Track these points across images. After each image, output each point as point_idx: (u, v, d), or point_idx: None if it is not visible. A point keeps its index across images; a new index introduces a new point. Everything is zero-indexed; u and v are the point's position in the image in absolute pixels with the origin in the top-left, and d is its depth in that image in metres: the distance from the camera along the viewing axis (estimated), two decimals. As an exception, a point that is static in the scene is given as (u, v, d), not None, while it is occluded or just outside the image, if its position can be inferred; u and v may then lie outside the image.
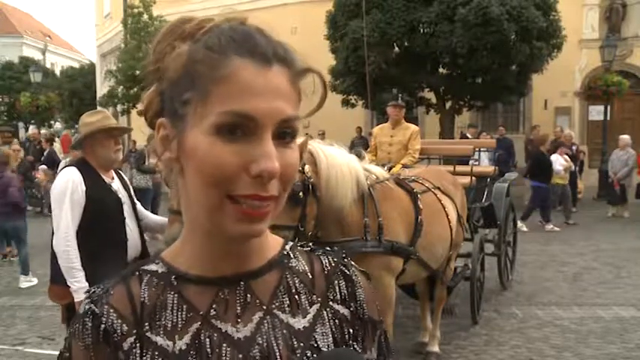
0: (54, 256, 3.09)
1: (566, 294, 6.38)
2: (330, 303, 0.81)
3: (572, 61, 15.80)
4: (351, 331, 0.81)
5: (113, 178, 3.22)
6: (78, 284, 2.96)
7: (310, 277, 0.82)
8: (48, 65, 39.21)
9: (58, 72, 35.88)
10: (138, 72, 16.04)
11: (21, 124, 28.70)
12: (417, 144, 5.75)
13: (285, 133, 0.70)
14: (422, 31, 12.60)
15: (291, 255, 0.83)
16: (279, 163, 0.67)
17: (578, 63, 16.43)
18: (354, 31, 12.51)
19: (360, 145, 12.74)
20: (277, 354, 0.74)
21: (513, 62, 12.71)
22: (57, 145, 16.10)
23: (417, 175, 4.29)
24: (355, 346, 0.81)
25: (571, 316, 5.62)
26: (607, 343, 4.90)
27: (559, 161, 10.94)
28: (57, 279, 3.07)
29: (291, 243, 0.85)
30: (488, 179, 6.11)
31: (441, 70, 13.63)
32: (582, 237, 9.67)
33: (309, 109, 0.76)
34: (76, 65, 35.71)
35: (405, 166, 5.35)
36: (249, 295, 0.76)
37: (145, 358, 0.73)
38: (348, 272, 0.83)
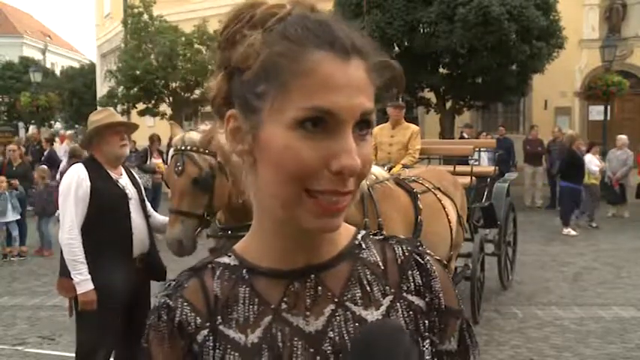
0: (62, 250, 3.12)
1: (566, 294, 6.38)
2: (404, 294, 0.79)
3: (572, 61, 15.81)
4: (426, 322, 0.79)
5: (121, 174, 3.27)
6: (80, 277, 3.00)
7: (382, 267, 0.80)
8: (48, 65, 39.22)
9: (58, 72, 35.89)
10: (138, 72, 16.04)
11: (21, 124, 28.72)
12: (417, 144, 5.75)
13: (362, 125, 0.69)
14: (422, 31, 12.61)
15: (363, 245, 0.81)
16: (359, 158, 0.67)
17: (578, 63, 16.44)
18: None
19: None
20: (349, 348, 0.73)
21: (513, 62, 12.72)
22: (57, 145, 16.09)
23: (417, 175, 4.29)
24: (432, 338, 0.79)
25: (571, 316, 5.63)
26: (607, 343, 4.90)
27: (594, 162, 10.71)
28: (65, 272, 3.09)
29: (363, 232, 0.84)
30: (489, 179, 6.11)
31: (441, 70, 13.63)
32: (582, 237, 9.68)
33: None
34: (76, 65, 35.72)
35: (405, 166, 5.35)
36: (319, 288, 0.76)
37: (217, 351, 0.74)
38: (422, 262, 0.81)
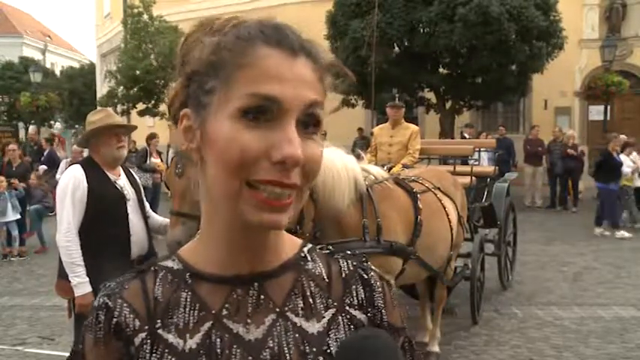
0: None
1: (566, 294, 6.38)
2: (347, 308, 0.79)
3: (572, 61, 15.80)
4: None
5: (120, 176, 3.25)
6: (78, 279, 2.99)
7: (327, 280, 0.80)
8: (48, 65, 39.19)
9: (58, 72, 35.87)
10: (138, 72, 16.03)
11: (21, 124, 28.69)
12: (417, 144, 5.75)
13: (308, 122, 0.69)
14: (422, 30, 12.61)
15: (309, 257, 0.81)
16: (303, 153, 0.66)
17: (578, 63, 16.43)
18: (355, 31, 12.51)
19: (362, 145, 12.76)
20: (288, 358, 0.73)
21: (513, 62, 12.71)
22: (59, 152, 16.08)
23: (417, 176, 4.29)
24: None
25: (571, 316, 5.63)
26: (607, 343, 4.90)
27: (626, 162, 10.56)
28: (64, 274, 3.09)
29: (310, 245, 0.84)
30: (489, 179, 6.11)
31: (441, 70, 13.63)
32: (582, 237, 9.68)
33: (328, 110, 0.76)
34: (76, 65, 35.71)
35: (405, 166, 5.35)
36: (262, 297, 0.75)
37: (155, 355, 0.73)
38: (366, 277, 0.81)
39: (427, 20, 12.34)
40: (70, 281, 3.01)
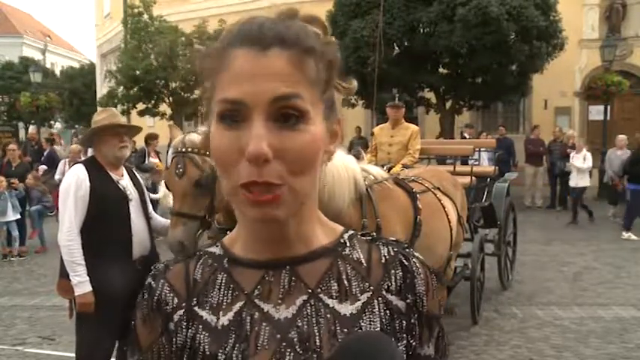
0: None
1: (566, 294, 6.38)
2: (384, 292, 0.79)
3: (572, 61, 15.80)
4: (404, 323, 0.79)
5: (122, 176, 3.26)
6: (78, 278, 2.98)
7: (365, 265, 0.81)
8: (48, 65, 39.19)
9: (58, 72, 35.87)
10: (138, 72, 16.03)
11: (21, 124, 28.70)
12: (417, 144, 5.74)
13: (287, 115, 0.69)
14: (422, 31, 12.61)
15: (348, 244, 0.83)
16: (277, 147, 0.67)
17: (578, 63, 16.43)
18: (355, 31, 12.51)
19: (359, 145, 12.75)
20: (317, 337, 0.74)
21: (513, 62, 12.71)
22: (57, 146, 16.08)
23: (416, 176, 4.29)
24: (410, 340, 0.80)
25: (571, 316, 5.62)
26: (607, 343, 4.90)
27: None
28: (65, 273, 3.09)
29: (351, 232, 0.85)
30: (488, 179, 6.11)
31: (441, 70, 13.63)
32: (582, 237, 9.68)
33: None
34: (76, 65, 35.71)
35: (405, 166, 5.34)
36: (294, 279, 0.78)
37: (190, 329, 0.78)
38: (407, 263, 0.82)
39: (427, 20, 12.35)
40: (70, 281, 3.01)
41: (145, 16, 16.60)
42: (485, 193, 5.98)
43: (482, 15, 11.39)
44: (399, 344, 0.78)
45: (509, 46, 12.04)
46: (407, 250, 0.84)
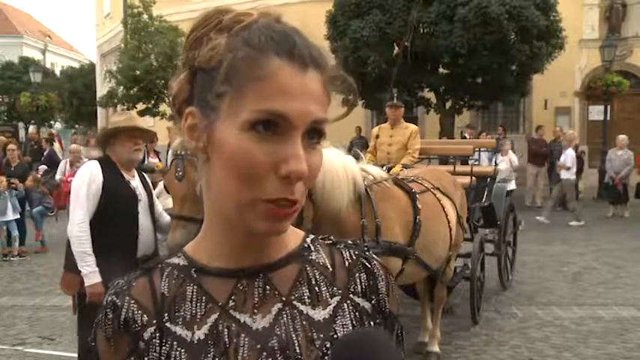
0: (69, 245, 3.16)
1: (566, 294, 6.38)
2: (351, 295, 0.81)
3: (572, 61, 15.80)
4: (371, 323, 0.81)
5: (134, 176, 3.34)
6: (89, 268, 3.04)
7: (331, 269, 0.82)
8: (48, 65, 39.18)
9: (58, 72, 35.87)
10: (138, 72, 16.03)
11: (21, 124, 28.69)
12: (416, 144, 5.74)
13: (313, 134, 0.71)
14: (422, 31, 12.60)
15: (312, 248, 0.83)
16: (306, 165, 0.69)
17: (578, 63, 16.43)
18: (355, 31, 12.51)
19: (359, 145, 12.75)
20: (296, 344, 0.75)
21: (513, 62, 12.71)
22: (57, 145, 16.08)
23: (416, 176, 4.29)
24: None
25: (571, 316, 5.62)
26: (607, 343, 4.90)
27: None
28: (70, 267, 3.15)
29: (312, 236, 0.86)
30: (488, 179, 6.11)
31: (441, 69, 13.63)
32: (582, 237, 9.68)
33: (332, 116, 0.77)
34: (76, 65, 35.69)
35: (404, 166, 5.34)
36: (267, 287, 0.77)
37: (164, 347, 0.75)
38: (369, 265, 0.83)
39: (427, 20, 12.34)
40: (76, 275, 3.07)
41: (145, 16, 16.60)
42: (485, 193, 5.98)
43: (483, 15, 11.39)
44: None
45: (510, 46, 12.04)
46: (367, 252, 0.85)
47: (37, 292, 6.72)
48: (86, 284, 3.04)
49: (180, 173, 2.97)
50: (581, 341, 4.96)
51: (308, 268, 0.80)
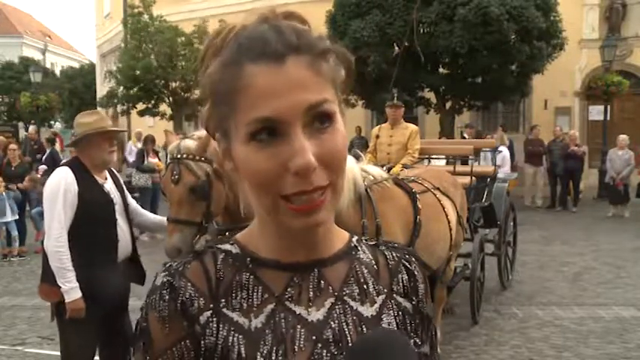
0: (45, 255, 3.03)
1: (566, 294, 6.38)
2: (394, 295, 0.85)
3: (572, 61, 15.79)
4: (412, 324, 0.85)
5: (106, 179, 3.19)
6: (69, 284, 2.93)
7: (376, 269, 0.85)
8: (48, 65, 39.21)
9: (58, 72, 35.88)
10: (138, 72, 16.03)
11: (21, 124, 28.70)
12: (416, 144, 5.74)
13: (319, 118, 0.70)
14: (422, 31, 12.60)
15: (358, 247, 0.86)
16: (318, 152, 0.69)
17: (578, 63, 16.42)
18: (355, 31, 12.50)
19: (359, 145, 12.75)
20: (348, 337, 0.78)
21: (513, 62, 12.71)
22: (57, 145, 16.06)
23: (416, 176, 4.29)
24: (415, 339, 0.85)
25: (571, 316, 5.62)
26: (607, 343, 4.90)
27: None
28: (46, 278, 3.04)
29: (357, 237, 0.89)
30: (488, 179, 6.11)
31: (441, 70, 13.62)
32: (582, 237, 9.68)
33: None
34: (76, 65, 35.73)
35: (404, 166, 5.34)
36: (322, 282, 0.80)
37: (221, 332, 0.76)
38: (410, 267, 0.88)
39: (427, 20, 12.34)
40: (53, 286, 2.96)
41: (145, 16, 16.60)
42: (485, 193, 5.98)
43: (483, 15, 11.39)
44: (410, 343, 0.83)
45: (510, 46, 12.04)
46: (407, 255, 0.89)
47: (37, 292, 6.70)
48: (67, 300, 2.93)
49: (177, 177, 2.93)
50: (581, 341, 4.96)
51: (357, 267, 0.84)
